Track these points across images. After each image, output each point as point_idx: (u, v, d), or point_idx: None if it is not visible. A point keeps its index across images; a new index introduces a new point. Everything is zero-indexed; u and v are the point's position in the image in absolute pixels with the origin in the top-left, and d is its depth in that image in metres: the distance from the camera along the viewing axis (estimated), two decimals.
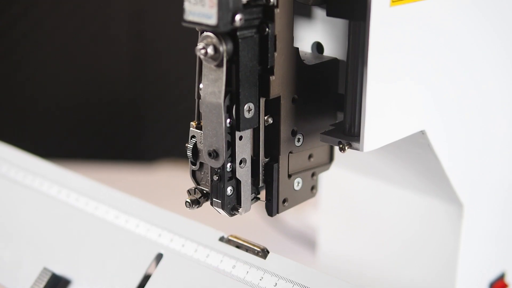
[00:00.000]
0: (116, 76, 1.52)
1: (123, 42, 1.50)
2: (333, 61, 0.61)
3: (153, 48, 1.51)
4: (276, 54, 0.54)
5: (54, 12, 1.45)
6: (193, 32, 0.53)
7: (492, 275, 0.78)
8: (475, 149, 0.70)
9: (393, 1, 0.54)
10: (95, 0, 1.46)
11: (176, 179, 1.28)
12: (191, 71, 0.58)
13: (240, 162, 0.57)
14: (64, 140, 1.55)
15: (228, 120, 0.54)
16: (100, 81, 1.52)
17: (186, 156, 0.58)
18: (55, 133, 1.54)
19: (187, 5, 0.51)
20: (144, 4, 1.48)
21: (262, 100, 0.56)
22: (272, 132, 0.58)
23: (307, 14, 0.63)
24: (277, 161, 0.58)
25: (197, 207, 0.59)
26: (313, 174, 0.63)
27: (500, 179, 0.75)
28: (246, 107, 0.54)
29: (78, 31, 1.47)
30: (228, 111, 0.54)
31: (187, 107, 0.78)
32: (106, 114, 1.54)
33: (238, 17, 0.50)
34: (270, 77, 0.55)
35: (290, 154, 0.60)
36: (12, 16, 1.45)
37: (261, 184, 0.59)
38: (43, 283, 0.66)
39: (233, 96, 0.54)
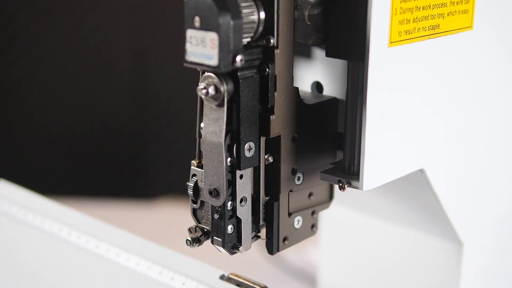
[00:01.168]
0: (117, 113, 1.53)
1: (125, 79, 1.51)
2: (333, 100, 0.62)
3: (154, 85, 1.52)
4: (276, 93, 0.55)
5: (57, 47, 1.47)
6: (194, 70, 0.54)
7: None
8: (474, 187, 0.71)
9: (391, 42, 0.55)
10: (97, 35, 1.47)
11: (177, 216, 1.28)
12: (192, 107, 0.59)
13: (241, 201, 0.57)
14: (65, 176, 1.55)
15: (228, 159, 0.55)
16: (101, 118, 1.53)
17: (187, 193, 0.59)
18: (56, 169, 1.55)
19: (188, 46, 0.52)
20: (146, 42, 1.50)
21: (263, 139, 0.57)
22: (272, 171, 0.58)
23: (307, 54, 0.64)
24: (278, 199, 0.59)
25: (198, 245, 0.59)
26: (313, 212, 0.64)
27: (500, 217, 0.75)
28: (246, 146, 0.55)
29: (80, 67, 1.48)
30: (229, 150, 0.55)
31: (188, 144, 0.79)
32: (107, 151, 1.55)
33: (238, 58, 0.51)
34: (271, 117, 0.55)
35: (290, 192, 0.60)
36: (15, 50, 1.46)
37: (261, 222, 0.60)
38: None
39: (233, 135, 0.55)
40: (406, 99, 0.58)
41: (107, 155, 1.55)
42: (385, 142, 0.58)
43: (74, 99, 1.51)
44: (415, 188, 0.66)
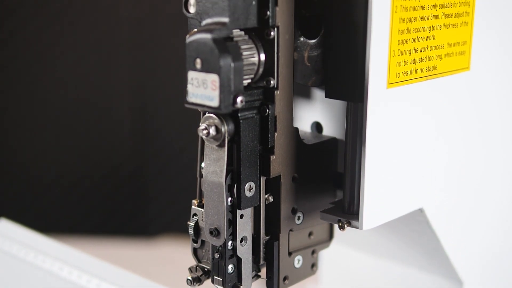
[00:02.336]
0: (118, 151, 1.53)
1: (125, 117, 1.52)
2: (332, 140, 0.62)
3: (155, 124, 1.53)
4: (276, 134, 0.56)
5: (58, 85, 1.48)
6: (194, 109, 0.55)
7: None
8: (474, 226, 0.71)
9: (389, 83, 0.56)
10: (98, 73, 1.49)
11: (177, 254, 1.28)
12: (192, 146, 0.59)
13: (241, 240, 0.57)
14: (65, 214, 1.55)
15: (229, 199, 0.55)
16: (101, 156, 1.53)
17: (187, 231, 0.59)
18: (56, 207, 1.55)
19: (190, 88, 0.52)
20: (147, 80, 1.51)
21: (263, 179, 0.57)
22: (273, 211, 0.59)
23: (307, 95, 0.65)
24: (278, 239, 0.59)
25: (199, 285, 0.60)
26: (313, 252, 0.64)
27: (500, 256, 0.75)
28: (247, 186, 0.55)
29: (80, 104, 1.49)
30: (229, 189, 0.55)
31: (188, 182, 0.79)
32: (107, 189, 1.55)
33: (239, 99, 0.51)
34: (271, 157, 0.56)
35: (290, 232, 0.60)
36: (16, 88, 1.47)
37: (261, 261, 0.60)
38: None
39: (234, 175, 0.55)
40: (404, 139, 0.59)
41: (107, 193, 1.55)
42: (385, 182, 0.58)
43: (75, 137, 1.52)
44: (415, 227, 0.66)
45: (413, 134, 0.60)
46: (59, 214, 1.55)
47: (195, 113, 0.56)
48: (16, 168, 1.54)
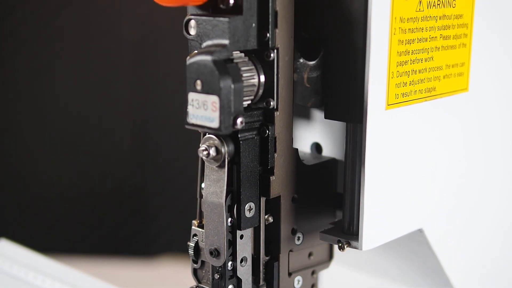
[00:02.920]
0: (118, 171, 1.54)
1: (126, 137, 1.52)
2: (332, 161, 0.63)
3: (155, 143, 1.53)
4: (276, 155, 0.56)
5: (58, 105, 1.48)
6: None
7: None
8: (474, 246, 0.71)
9: (388, 104, 0.56)
10: (98, 93, 1.49)
11: (177, 274, 1.28)
12: (192, 165, 0.60)
13: (241, 261, 0.57)
14: (66, 234, 1.55)
15: (229, 219, 0.55)
16: (101, 175, 1.53)
17: (187, 251, 0.59)
18: (57, 227, 1.55)
19: (190, 109, 0.53)
20: (147, 99, 1.52)
21: (263, 200, 0.57)
22: (273, 231, 0.59)
23: (306, 116, 0.65)
24: (278, 259, 0.59)
25: None
26: (313, 272, 0.64)
27: (500, 276, 0.75)
28: (247, 206, 0.56)
29: (81, 124, 1.50)
30: (229, 210, 0.55)
31: (189, 202, 0.80)
32: (107, 209, 1.55)
33: (239, 120, 0.52)
34: (271, 177, 0.56)
35: (290, 252, 0.60)
36: (16, 109, 1.48)
37: (261, 282, 0.60)
38: None
39: (234, 196, 0.55)
40: (404, 159, 0.59)
41: (108, 212, 1.55)
42: (384, 203, 0.58)
43: (75, 156, 1.52)
44: (414, 248, 0.66)
45: (412, 155, 0.60)
46: (59, 234, 1.55)
47: (195, 133, 0.56)
48: (16, 188, 1.54)
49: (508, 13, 0.68)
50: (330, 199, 0.63)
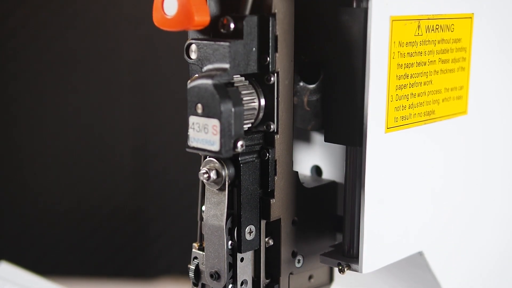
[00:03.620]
0: (118, 193, 1.54)
1: (126, 158, 1.53)
2: (332, 184, 0.63)
3: (156, 165, 1.53)
4: (276, 178, 0.57)
5: (59, 126, 1.49)
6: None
7: None
8: (474, 269, 0.71)
9: (388, 128, 0.57)
10: (99, 115, 1.50)
11: None
12: (193, 187, 0.60)
13: (242, 284, 0.57)
14: (66, 256, 1.55)
15: (229, 242, 0.56)
16: (101, 198, 1.54)
17: (187, 273, 0.59)
18: (57, 249, 1.55)
19: (191, 132, 0.53)
20: (148, 121, 1.52)
21: (263, 222, 0.58)
22: (273, 254, 0.59)
23: (306, 139, 0.65)
24: (278, 282, 0.59)
25: None
26: None
27: None
28: (247, 229, 0.56)
29: (81, 145, 1.50)
30: (230, 233, 0.56)
31: (189, 224, 0.80)
32: (107, 230, 1.55)
33: (239, 143, 0.52)
34: (271, 200, 0.57)
35: (290, 275, 0.60)
36: (17, 132, 1.48)
37: None
38: None
39: (234, 219, 0.56)
40: (403, 182, 0.60)
41: (108, 234, 1.55)
42: (384, 225, 0.59)
43: (75, 178, 1.53)
44: (414, 270, 0.66)
45: (412, 178, 0.60)
46: (60, 256, 1.55)
47: (196, 156, 0.57)
48: (16, 210, 1.54)
49: (506, 36, 0.69)
50: (330, 222, 0.63)
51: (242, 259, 0.57)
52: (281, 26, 0.55)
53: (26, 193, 1.53)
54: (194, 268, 0.59)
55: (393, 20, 0.55)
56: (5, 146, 1.50)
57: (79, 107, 1.49)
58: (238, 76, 0.54)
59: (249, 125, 0.55)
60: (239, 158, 0.54)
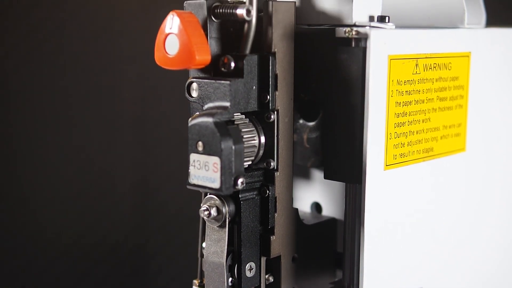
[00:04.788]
0: (119, 229, 1.54)
1: (127, 195, 1.53)
2: (331, 221, 0.63)
3: (156, 201, 1.53)
4: (276, 215, 0.57)
5: (59, 161, 1.49)
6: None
7: None
8: None
9: (387, 165, 0.57)
10: (98, 150, 1.50)
11: None
12: (193, 223, 0.60)
13: None
14: None
15: (230, 279, 0.56)
16: (101, 234, 1.53)
17: None
18: (57, 285, 1.54)
19: (192, 170, 0.53)
20: (149, 156, 1.53)
21: (263, 259, 0.58)
22: None
23: (306, 176, 0.66)
24: None
25: None
26: None
27: None
28: (247, 266, 0.56)
29: (82, 181, 1.50)
30: (230, 270, 0.56)
31: (189, 260, 0.80)
32: (108, 266, 1.54)
33: (240, 181, 0.53)
34: (271, 237, 0.57)
35: None
36: (17, 170, 1.49)
37: None
38: None
39: (235, 256, 0.56)
40: (403, 219, 0.60)
41: (108, 270, 1.55)
42: (384, 262, 0.59)
43: (75, 214, 1.53)
44: None
45: (411, 214, 0.61)
46: None
47: (196, 192, 0.57)
48: (16, 247, 1.54)
49: (503, 73, 0.69)
50: (330, 259, 0.63)
51: None
52: (281, 65, 0.55)
53: (26, 228, 1.53)
54: None
55: (391, 59, 0.56)
56: (5, 180, 1.50)
57: (79, 143, 1.50)
58: (239, 114, 0.55)
59: (249, 163, 0.56)
60: (240, 195, 0.55)
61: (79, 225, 1.53)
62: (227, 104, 0.53)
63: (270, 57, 0.55)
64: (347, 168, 0.56)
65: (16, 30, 1.39)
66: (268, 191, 0.56)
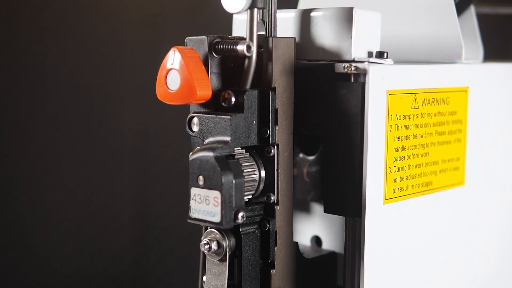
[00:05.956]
0: (119, 262, 1.53)
1: (127, 228, 1.53)
2: (331, 254, 0.64)
3: (156, 234, 1.53)
4: (276, 248, 0.57)
5: (57, 196, 1.49)
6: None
7: None
8: None
9: (386, 199, 0.57)
10: (100, 183, 1.50)
11: None
12: (193, 258, 0.60)
13: None
14: None
15: None
16: (102, 266, 1.53)
17: None
18: None
19: (192, 204, 0.54)
20: (149, 191, 1.53)
21: None
22: None
23: (306, 209, 0.66)
24: None
25: None
26: None
27: None
28: None
29: (82, 214, 1.50)
30: None
31: None
32: None
33: (240, 215, 0.53)
34: (271, 271, 0.57)
35: None
36: (16, 208, 1.49)
37: None
38: None
39: None
40: (402, 252, 0.60)
41: None
42: None
43: (76, 246, 1.52)
44: None
45: (411, 248, 0.61)
46: None
47: (197, 225, 0.57)
48: (16, 281, 1.53)
49: (501, 108, 0.70)
50: None
51: None
52: (281, 99, 0.56)
53: (26, 260, 1.53)
54: None
55: (390, 94, 0.56)
56: (5, 215, 1.50)
57: (80, 175, 1.50)
58: (239, 148, 0.55)
59: (250, 196, 0.56)
60: (240, 229, 0.55)
61: (79, 259, 1.53)
62: (228, 138, 0.53)
63: (270, 92, 0.55)
64: (347, 202, 0.57)
65: (14, 66, 1.40)
66: (268, 225, 0.56)
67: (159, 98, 0.56)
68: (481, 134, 0.67)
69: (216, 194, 0.52)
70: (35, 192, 1.49)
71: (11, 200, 1.49)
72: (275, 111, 0.56)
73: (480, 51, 0.73)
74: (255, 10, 0.55)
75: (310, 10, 0.59)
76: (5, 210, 1.48)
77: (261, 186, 0.56)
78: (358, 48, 0.57)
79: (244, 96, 0.54)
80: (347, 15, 0.57)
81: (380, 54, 0.58)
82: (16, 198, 1.49)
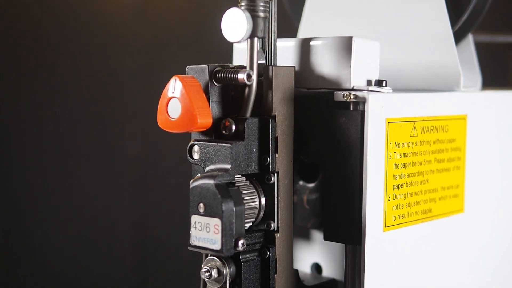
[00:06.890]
0: (119, 285, 1.53)
1: (127, 253, 1.52)
2: (331, 281, 0.64)
3: (156, 260, 1.53)
4: (276, 276, 0.57)
5: (57, 221, 1.49)
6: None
7: None
8: None
9: (386, 226, 0.58)
10: (99, 208, 1.50)
11: None
12: (194, 286, 0.60)
13: None
14: None
15: None
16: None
17: None
18: None
19: (193, 231, 0.54)
20: (149, 214, 1.53)
21: None
22: None
23: (306, 237, 0.66)
24: None
25: None
26: None
27: None
28: None
29: (80, 239, 1.50)
30: None
31: None
32: None
33: (240, 242, 0.53)
34: None
35: None
36: (14, 231, 1.49)
37: None
38: None
39: None
40: (402, 280, 0.60)
41: None
42: None
43: (76, 273, 1.52)
44: None
45: (410, 275, 0.61)
46: None
47: (197, 253, 0.57)
48: (16, 281, 1.53)
49: (499, 135, 0.70)
50: None
51: None
52: (281, 127, 0.57)
53: (28, 273, 1.53)
54: None
55: (389, 122, 0.57)
56: (7, 221, 1.50)
57: (80, 202, 1.50)
58: (239, 176, 0.56)
59: (250, 224, 0.56)
60: (240, 257, 0.55)
61: (79, 283, 1.52)
62: (228, 166, 0.54)
63: (271, 120, 0.56)
64: (347, 229, 0.57)
65: (17, 97, 1.41)
66: (268, 252, 0.57)
67: (160, 126, 0.56)
68: (480, 161, 0.68)
69: (216, 222, 0.52)
70: (36, 208, 1.50)
71: (13, 205, 1.49)
72: (275, 139, 0.56)
73: (478, 79, 0.74)
74: (255, 39, 0.55)
75: (310, 39, 0.60)
76: (7, 215, 1.48)
77: (261, 213, 0.57)
78: (357, 76, 0.58)
79: (245, 124, 0.55)
80: (346, 44, 0.58)
81: (379, 83, 0.58)
82: (17, 202, 1.49)
